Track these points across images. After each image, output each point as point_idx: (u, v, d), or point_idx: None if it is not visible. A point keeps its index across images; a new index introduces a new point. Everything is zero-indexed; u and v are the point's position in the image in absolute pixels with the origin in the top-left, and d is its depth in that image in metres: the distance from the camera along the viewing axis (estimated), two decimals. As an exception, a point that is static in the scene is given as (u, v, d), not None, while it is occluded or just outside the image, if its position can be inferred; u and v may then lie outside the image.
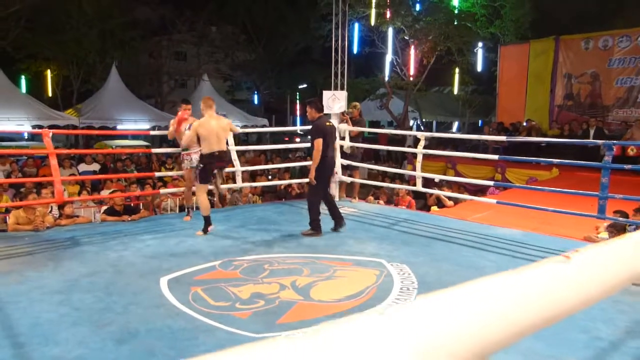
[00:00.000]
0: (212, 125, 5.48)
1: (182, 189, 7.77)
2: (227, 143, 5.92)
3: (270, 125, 23.17)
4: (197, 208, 5.93)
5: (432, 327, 0.55)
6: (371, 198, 8.73)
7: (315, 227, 5.66)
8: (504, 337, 0.61)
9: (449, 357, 0.55)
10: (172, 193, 7.84)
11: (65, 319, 3.26)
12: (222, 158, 5.59)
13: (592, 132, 11.80)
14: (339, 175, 7.49)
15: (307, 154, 16.29)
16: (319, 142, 5.56)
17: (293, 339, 0.53)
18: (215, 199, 7.46)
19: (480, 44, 17.91)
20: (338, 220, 5.83)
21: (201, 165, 5.58)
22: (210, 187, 5.97)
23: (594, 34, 13.80)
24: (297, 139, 18.42)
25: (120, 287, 3.86)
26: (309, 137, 5.94)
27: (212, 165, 5.52)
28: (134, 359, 2.77)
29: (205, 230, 5.54)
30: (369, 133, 13.92)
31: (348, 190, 7.95)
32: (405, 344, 0.52)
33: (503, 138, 8.47)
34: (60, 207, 6.66)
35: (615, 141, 5.26)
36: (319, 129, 5.68)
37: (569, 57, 14.23)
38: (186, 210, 6.57)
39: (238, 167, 7.01)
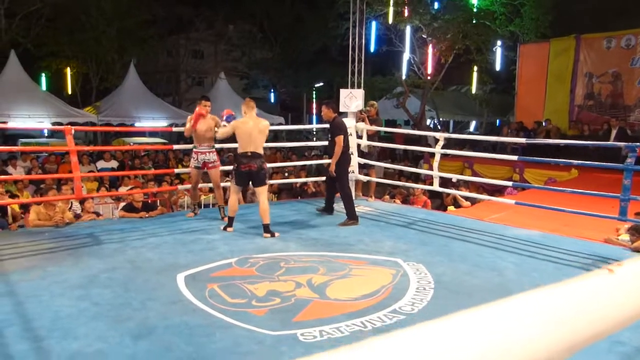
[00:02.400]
0: (249, 126, 5.43)
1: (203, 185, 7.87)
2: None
3: (287, 124, 23.21)
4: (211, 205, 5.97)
5: (471, 349, 0.53)
6: (387, 197, 8.70)
7: (353, 217, 6.12)
8: (549, 356, 0.58)
9: None
10: (187, 190, 7.89)
11: (84, 313, 3.31)
12: (253, 159, 5.40)
13: (614, 132, 11.58)
14: (355, 174, 7.48)
15: (324, 152, 16.29)
16: (340, 139, 6.08)
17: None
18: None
19: (499, 43, 17.70)
20: (329, 209, 6.52)
21: (235, 165, 5.56)
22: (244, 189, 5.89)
23: (616, 32, 13.54)
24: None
25: (138, 283, 3.90)
26: (329, 134, 6.38)
27: (244, 164, 5.38)
28: (151, 354, 2.79)
29: (225, 228, 5.60)
30: (385, 132, 13.84)
31: (364, 189, 7.92)
32: None
33: (522, 140, 8.35)
34: (81, 202, 6.75)
35: (638, 143, 5.14)
36: (341, 126, 6.22)
37: (590, 56, 13.99)
38: (192, 207, 6.54)
39: None
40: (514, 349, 0.57)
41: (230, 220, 5.61)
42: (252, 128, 5.43)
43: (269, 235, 5.36)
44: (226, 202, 7.85)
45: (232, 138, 5.78)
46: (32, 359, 2.71)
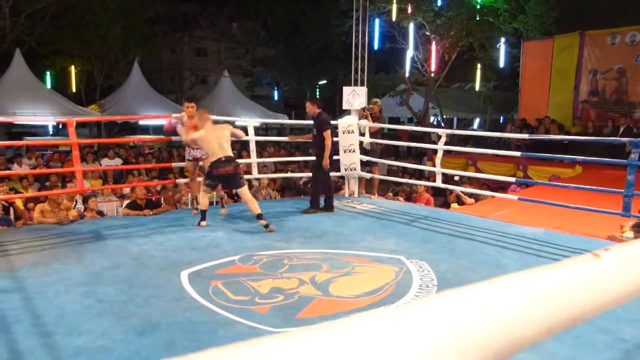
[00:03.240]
0: (210, 136, 5.59)
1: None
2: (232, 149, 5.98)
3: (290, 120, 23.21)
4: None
5: (449, 326, 0.55)
6: (390, 194, 8.71)
7: (316, 207, 6.52)
8: (525, 337, 0.60)
9: (463, 357, 0.54)
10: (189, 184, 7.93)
11: (89, 310, 3.33)
12: (228, 163, 5.59)
13: (621, 129, 11.54)
14: (358, 171, 7.49)
15: (314, 146, 16.25)
16: (329, 133, 6.40)
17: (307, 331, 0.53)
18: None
19: (502, 40, 17.65)
20: (328, 207, 6.61)
21: (209, 169, 5.71)
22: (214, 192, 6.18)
23: (620, 28, 13.48)
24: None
25: (142, 280, 3.93)
26: (315, 129, 6.59)
27: (218, 169, 5.55)
28: (155, 350, 2.82)
29: (199, 223, 5.70)
30: (389, 129, 13.84)
31: (367, 186, 7.93)
32: (416, 343, 0.51)
33: (525, 136, 8.33)
34: (84, 201, 6.79)
35: (641, 138, 5.13)
36: (328, 121, 6.57)
37: (595, 53, 13.93)
38: (192, 202, 6.67)
39: (254, 159, 7.15)
40: (494, 327, 0.58)
41: (204, 214, 5.76)
42: (215, 136, 5.58)
43: (264, 222, 5.54)
44: (210, 203, 8.05)
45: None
46: (39, 354, 2.74)
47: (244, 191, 5.75)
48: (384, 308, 0.57)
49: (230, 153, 5.65)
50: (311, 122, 6.83)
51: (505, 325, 0.59)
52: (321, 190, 6.74)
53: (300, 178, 9.43)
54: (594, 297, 0.68)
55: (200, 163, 6.36)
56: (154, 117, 15.18)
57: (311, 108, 6.59)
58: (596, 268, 0.71)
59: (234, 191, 6.99)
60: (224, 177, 5.65)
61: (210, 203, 8.37)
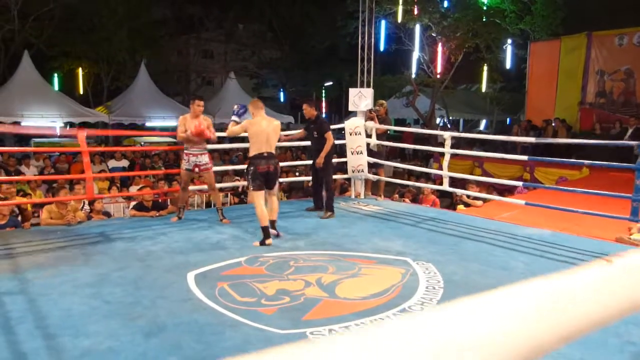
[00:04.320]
0: (263, 126, 5.23)
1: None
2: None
3: (296, 123, 23.25)
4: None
5: (463, 334, 0.54)
6: (396, 196, 8.68)
7: (332, 209, 6.38)
8: (539, 346, 0.59)
9: None
10: (199, 190, 7.93)
11: (96, 311, 3.34)
12: (269, 160, 5.20)
13: (630, 131, 11.45)
14: (364, 172, 7.48)
15: (315, 149, 16.24)
16: (331, 134, 6.41)
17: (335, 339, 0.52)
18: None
19: (509, 41, 17.60)
20: (318, 207, 6.61)
21: (251, 169, 5.19)
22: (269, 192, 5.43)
23: (628, 29, 13.39)
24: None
25: (148, 282, 3.94)
26: (316, 132, 6.47)
27: (262, 166, 5.15)
28: (162, 352, 2.82)
29: (262, 242, 5.02)
30: (395, 131, 13.82)
31: (373, 188, 7.92)
32: (431, 348, 0.51)
33: (532, 139, 8.30)
34: (91, 202, 6.82)
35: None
36: (327, 123, 6.61)
37: (602, 54, 13.86)
38: (178, 210, 6.18)
39: None
40: (505, 337, 0.57)
41: (266, 230, 5.08)
42: (266, 128, 5.22)
43: (275, 232, 5.28)
44: (207, 204, 7.76)
45: (236, 137, 5.67)
46: (45, 356, 2.75)
47: (276, 191, 5.43)
48: (401, 315, 0.56)
49: (273, 150, 5.26)
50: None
51: (520, 334, 0.58)
52: (319, 190, 6.70)
53: (309, 181, 9.42)
54: (609, 304, 0.67)
55: (196, 169, 5.98)
56: (159, 135, 15.25)
57: (309, 110, 6.47)
58: (609, 275, 0.70)
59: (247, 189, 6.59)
60: (265, 175, 5.19)
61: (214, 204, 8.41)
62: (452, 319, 0.55)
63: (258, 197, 5.20)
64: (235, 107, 5.75)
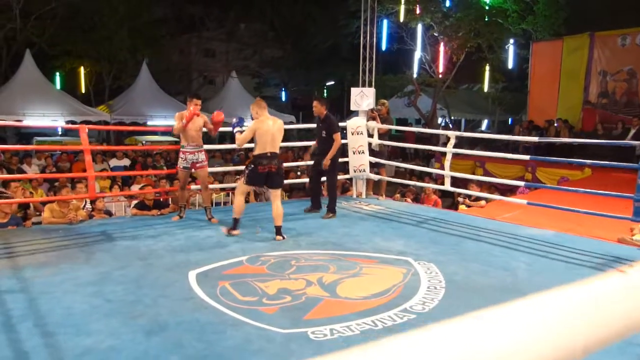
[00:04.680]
0: (269, 125, 5.24)
1: (215, 186, 7.87)
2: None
3: (298, 123, 23.26)
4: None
5: (489, 343, 0.53)
6: (398, 196, 8.68)
7: (334, 211, 6.36)
8: (565, 356, 0.58)
9: None
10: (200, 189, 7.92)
11: (97, 310, 3.34)
12: (273, 160, 5.21)
13: (632, 132, 11.42)
14: (366, 172, 7.47)
15: (322, 148, 16.24)
16: (339, 135, 6.31)
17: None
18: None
19: (511, 41, 17.58)
20: (316, 207, 6.60)
21: (252, 166, 5.25)
22: (254, 188, 5.66)
23: (631, 29, 13.35)
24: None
25: (150, 280, 3.94)
26: (325, 131, 6.37)
27: (263, 166, 5.18)
28: (163, 350, 2.82)
29: (229, 232, 5.31)
30: (396, 131, 13.83)
31: (375, 187, 7.91)
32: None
33: (535, 139, 8.27)
34: (92, 201, 6.82)
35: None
36: (337, 123, 6.48)
37: (605, 54, 13.82)
38: (179, 209, 6.20)
39: None
40: (526, 350, 0.56)
41: (236, 222, 5.35)
42: (272, 127, 5.23)
43: (281, 237, 5.23)
44: (216, 203, 7.73)
45: (223, 137, 5.65)
46: (46, 355, 2.75)
47: (278, 194, 5.38)
48: (410, 333, 0.55)
49: (276, 150, 5.27)
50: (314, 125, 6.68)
51: (538, 349, 0.57)
52: (318, 190, 6.71)
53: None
54: (627, 314, 0.66)
55: (194, 171, 5.97)
56: (161, 130, 15.26)
57: (319, 109, 6.41)
58: (625, 285, 0.69)
59: (266, 191, 6.45)
60: (266, 175, 5.24)
61: (220, 203, 8.41)
62: (469, 332, 0.54)
63: (242, 189, 5.37)
64: (234, 119, 5.82)
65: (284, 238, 5.25)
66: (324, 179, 6.73)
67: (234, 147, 9.97)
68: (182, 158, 5.92)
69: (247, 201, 8.24)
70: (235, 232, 5.32)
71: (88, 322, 3.15)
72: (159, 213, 6.47)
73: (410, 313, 3.41)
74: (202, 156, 5.99)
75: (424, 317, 3.37)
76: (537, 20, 16.34)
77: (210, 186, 7.01)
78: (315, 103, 6.49)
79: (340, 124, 7.90)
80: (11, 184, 6.89)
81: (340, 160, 7.86)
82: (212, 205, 6.37)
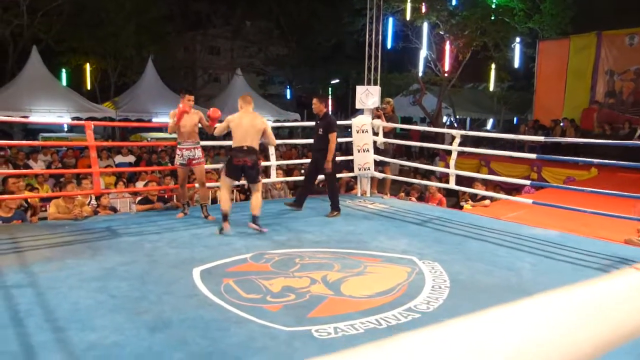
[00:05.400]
0: (244, 121, 5.41)
1: (216, 183, 7.83)
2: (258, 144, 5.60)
3: (302, 120, 23.24)
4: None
5: (502, 341, 0.52)
6: (402, 194, 8.66)
7: (338, 208, 6.36)
8: (579, 355, 0.56)
9: None
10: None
11: (102, 305, 3.35)
12: (249, 154, 5.32)
13: (639, 132, 11.36)
14: (371, 170, 7.46)
15: (338, 149, 16.23)
16: (335, 135, 6.27)
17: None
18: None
19: (517, 40, 17.50)
20: (299, 204, 6.53)
21: (228, 158, 5.48)
22: (238, 183, 5.83)
23: (638, 29, 13.27)
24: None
25: (154, 277, 3.94)
26: (322, 128, 6.34)
27: (238, 158, 5.32)
28: (167, 347, 2.82)
29: (220, 229, 5.30)
30: (401, 129, 13.78)
31: (379, 186, 7.90)
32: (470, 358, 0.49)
33: (541, 138, 8.23)
34: (97, 197, 6.85)
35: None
36: (335, 123, 6.41)
37: (612, 53, 13.74)
38: (182, 206, 6.23)
39: (273, 162, 7.09)
40: (535, 351, 0.55)
41: (225, 216, 5.33)
42: (247, 123, 5.39)
43: (256, 226, 5.31)
44: (213, 201, 7.78)
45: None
46: (52, 349, 2.76)
47: (258, 187, 5.51)
48: (413, 332, 0.55)
49: (254, 145, 5.38)
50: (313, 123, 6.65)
51: (547, 349, 0.55)
52: (309, 187, 6.71)
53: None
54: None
55: (191, 162, 5.94)
56: (166, 126, 15.25)
57: (319, 106, 6.40)
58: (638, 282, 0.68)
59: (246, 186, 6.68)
60: (241, 169, 5.38)
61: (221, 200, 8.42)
62: (475, 332, 0.54)
63: (224, 182, 5.49)
64: (214, 116, 6.05)
65: (258, 228, 5.31)
66: (321, 177, 6.75)
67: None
68: (178, 155, 5.92)
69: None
70: (226, 225, 5.31)
71: (93, 317, 3.16)
72: (163, 206, 6.52)
73: (414, 312, 3.40)
74: (199, 153, 5.96)
75: (428, 316, 3.36)
76: (544, 19, 16.26)
77: (215, 184, 7.01)
78: (314, 101, 6.50)
79: (346, 122, 7.90)
80: (9, 180, 6.90)
81: (344, 158, 7.86)
82: (209, 203, 6.38)
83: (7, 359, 2.65)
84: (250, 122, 5.42)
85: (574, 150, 10.67)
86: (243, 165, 5.34)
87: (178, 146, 5.92)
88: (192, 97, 5.92)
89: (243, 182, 6.02)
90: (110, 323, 3.08)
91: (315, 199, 7.36)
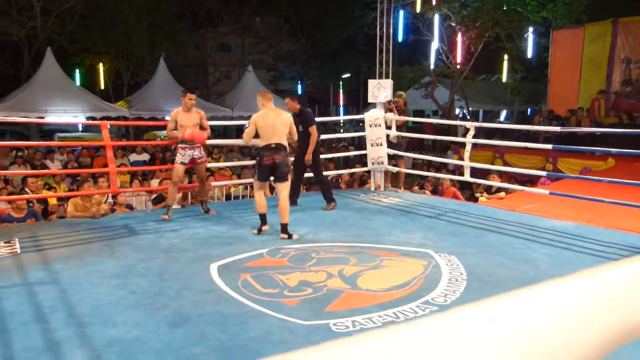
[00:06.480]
0: (270, 118, 5.20)
1: (229, 182, 7.90)
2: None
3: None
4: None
5: (527, 324, 0.52)
6: (416, 188, 8.64)
7: (332, 200, 6.40)
8: (591, 350, 0.55)
9: None
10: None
11: (122, 302, 3.41)
12: (277, 152, 5.11)
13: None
14: (384, 164, 7.45)
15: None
16: (315, 128, 6.31)
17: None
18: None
19: (530, 29, 17.27)
20: (293, 200, 6.23)
21: (258, 159, 5.26)
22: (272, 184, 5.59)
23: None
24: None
25: (173, 273, 3.99)
26: (301, 125, 6.18)
27: (267, 157, 5.12)
28: (187, 342, 2.86)
29: (259, 230, 5.20)
30: (413, 122, 13.71)
31: (393, 180, 7.89)
32: (499, 339, 0.49)
33: (557, 129, 8.13)
34: (114, 195, 6.93)
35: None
36: (312, 116, 6.47)
37: (628, 41, 13.49)
38: (166, 208, 5.95)
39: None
40: (554, 338, 0.54)
41: (263, 217, 5.22)
42: (274, 120, 5.19)
43: (286, 236, 5.01)
44: (227, 197, 7.77)
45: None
46: (76, 344, 2.82)
47: (286, 187, 5.22)
48: (425, 319, 0.55)
49: (282, 142, 5.17)
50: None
51: (570, 334, 0.54)
52: (298, 184, 6.62)
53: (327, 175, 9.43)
54: None
55: (194, 162, 5.91)
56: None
57: (292, 105, 6.38)
58: None
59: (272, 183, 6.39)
60: (270, 167, 5.14)
61: (239, 197, 8.47)
62: (485, 318, 0.53)
63: (258, 187, 5.32)
64: (245, 124, 5.67)
65: (290, 237, 5.02)
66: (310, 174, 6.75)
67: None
68: (180, 154, 5.84)
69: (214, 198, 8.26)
70: (264, 227, 5.21)
71: (114, 313, 3.22)
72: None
73: (432, 305, 3.40)
74: (202, 151, 5.98)
75: (445, 309, 3.36)
76: (558, 7, 16.02)
77: (229, 182, 7.06)
78: (287, 100, 6.56)
79: (359, 116, 7.87)
80: (28, 180, 7.02)
81: (359, 153, 7.84)
82: (208, 199, 6.43)
83: (33, 354, 2.71)
84: (275, 118, 5.22)
85: (590, 141, 10.53)
86: (273, 164, 5.13)
87: (180, 145, 5.84)
88: (193, 96, 5.87)
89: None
90: (130, 319, 3.14)
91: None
